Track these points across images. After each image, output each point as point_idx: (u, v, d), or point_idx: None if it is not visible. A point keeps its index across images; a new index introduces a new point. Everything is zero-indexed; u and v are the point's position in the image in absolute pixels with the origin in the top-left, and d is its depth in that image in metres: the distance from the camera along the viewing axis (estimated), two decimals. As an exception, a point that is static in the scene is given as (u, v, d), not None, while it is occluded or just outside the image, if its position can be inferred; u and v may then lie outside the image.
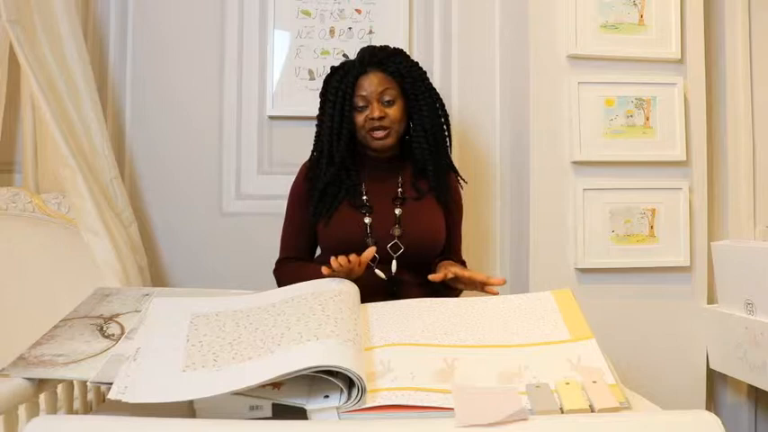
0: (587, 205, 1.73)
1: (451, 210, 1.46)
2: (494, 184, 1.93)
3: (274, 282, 1.44)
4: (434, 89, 1.46)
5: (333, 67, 1.45)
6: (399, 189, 1.43)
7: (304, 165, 1.49)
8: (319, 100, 1.46)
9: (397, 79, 1.40)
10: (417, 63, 1.46)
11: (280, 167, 1.86)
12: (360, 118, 1.39)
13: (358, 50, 1.45)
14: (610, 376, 0.81)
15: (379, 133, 1.38)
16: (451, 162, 1.50)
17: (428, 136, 1.41)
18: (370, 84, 1.38)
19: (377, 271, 1.34)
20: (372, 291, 1.26)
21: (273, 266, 1.48)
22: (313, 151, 1.47)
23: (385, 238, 1.36)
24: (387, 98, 1.38)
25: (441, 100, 1.47)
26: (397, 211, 1.40)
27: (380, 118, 1.37)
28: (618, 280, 1.75)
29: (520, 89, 1.82)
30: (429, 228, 1.40)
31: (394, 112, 1.38)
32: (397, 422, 0.75)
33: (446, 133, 1.47)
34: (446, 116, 1.47)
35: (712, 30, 1.88)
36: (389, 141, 1.40)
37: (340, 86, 1.39)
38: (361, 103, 1.38)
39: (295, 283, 1.22)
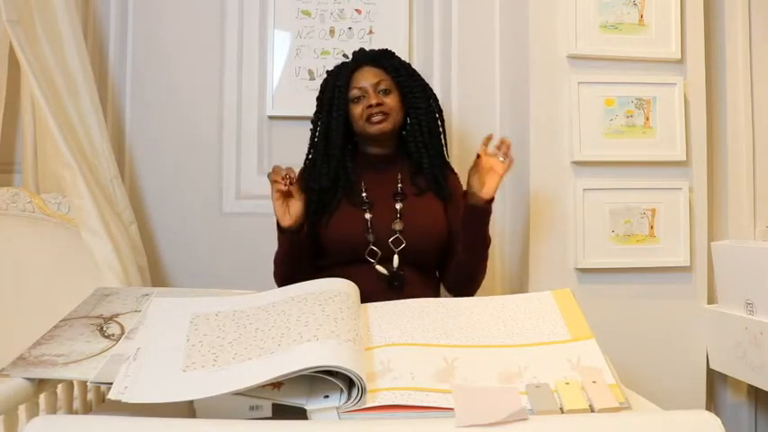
0: (587, 205, 1.73)
1: (453, 204, 1.47)
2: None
3: (274, 281, 1.44)
4: (428, 85, 1.49)
5: (328, 71, 1.48)
6: (399, 185, 1.43)
7: (301, 169, 1.49)
8: (316, 103, 1.47)
9: (391, 74, 1.43)
10: (410, 64, 1.50)
11: (280, 167, 1.86)
12: (357, 109, 1.40)
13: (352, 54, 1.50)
14: (610, 376, 0.81)
15: (378, 117, 1.38)
16: (444, 157, 1.50)
17: (424, 130, 1.43)
18: (366, 77, 1.41)
19: (378, 267, 1.34)
20: (376, 289, 1.27)
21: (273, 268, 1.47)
22: (308, 153, 1.47)
23: (386, 234, 1.37)
24: (383, 87, 1.41)
25: (435, 95, 1.49)
26: (398, 206, 1.40)
27: (378, 104, 1.38)
28: (618, 280, 1.74)
29: (520, 89, 1.82)
30: (430, 221, 1.41)
31: (391, 100, 1.40)
32: (397, 422, 0.75)
33: (441, 129, 1.48)
34: (440, 111, 1.49)
35: (712, 30, 1.88)
36: (388, 126, 1.40)
37: (336, 83, 1.42)
38: (357, 94, 1.40)
39: (283, 262, 1.33)
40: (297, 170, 1.50)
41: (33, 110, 1.68)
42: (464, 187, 1.52)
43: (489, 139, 1.35)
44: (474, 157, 1.36)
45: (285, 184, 1.25)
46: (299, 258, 1.34)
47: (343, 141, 1.41)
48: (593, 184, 1.73)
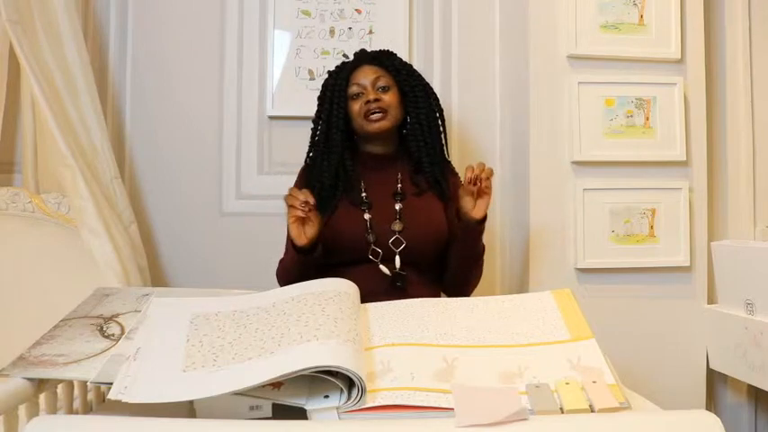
0: (587, 205, 1.73)
1: (453, 204, 1.46)
2: (494, 183, 1.92)
3: (274, 281, 1.43)
4: (429, 84, 1.49)
5: (329, 71, 1.49)
6: (399, 185, 1.43)
7: (302, 168, 1.50)
8: (317, 103, 1.48)
9: (391, 72, 1.44)
10: (410, 64, 1.51)
11: (280, 167, 1.86)
12: (355, 106, 1.41)
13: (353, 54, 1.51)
14: (610, 376, 0.81)
15: (376, 115, 1.39)
16: (444, 156, 1.50)
17: (424, 128, 1.43)
18: (365, 74, 1.42)
19: (381, 267, 1.34)
20: (379, 289, 1.27)
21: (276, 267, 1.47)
22: (309, 152, 1.48)
23: (386, 234, 1.36)
24: (381, 84, 1.41)
25: (435, 94, 1.49)
26: (398, 206, 1.40)
27: (376, 100, 1.39)
28: (618, 280, 1.74)
29: (520, 89, 1.82)
30: (430, 221, 1.40)
31: (389, 97, 1.41)
32: (397, 422, 0.75)
33: (441, 128, 1.48)
34: (441, 110, 1.49)
35: (712, 30, 1.88)
36: (386, 124, 1.40)
37: (336, 82, 1.43)
38: (356, 91, 1.41)
39: (294, 267, 1.31)
40: (296, 170, 1.51)
41: (33, 110, 1.68)
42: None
43: (469, 178, 1.30)
44: (473, 159, 1.36)
45: (303, 211, 1.22)
46: (307, 270, 1.33)
47: (343, 140, 1.41)
48: (593, 184, 1.73)
